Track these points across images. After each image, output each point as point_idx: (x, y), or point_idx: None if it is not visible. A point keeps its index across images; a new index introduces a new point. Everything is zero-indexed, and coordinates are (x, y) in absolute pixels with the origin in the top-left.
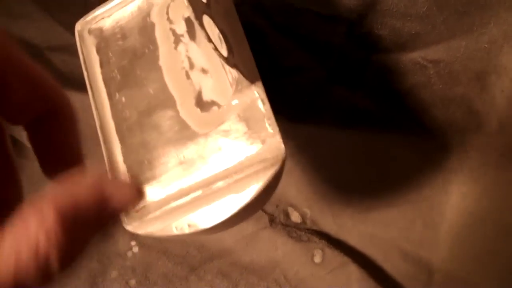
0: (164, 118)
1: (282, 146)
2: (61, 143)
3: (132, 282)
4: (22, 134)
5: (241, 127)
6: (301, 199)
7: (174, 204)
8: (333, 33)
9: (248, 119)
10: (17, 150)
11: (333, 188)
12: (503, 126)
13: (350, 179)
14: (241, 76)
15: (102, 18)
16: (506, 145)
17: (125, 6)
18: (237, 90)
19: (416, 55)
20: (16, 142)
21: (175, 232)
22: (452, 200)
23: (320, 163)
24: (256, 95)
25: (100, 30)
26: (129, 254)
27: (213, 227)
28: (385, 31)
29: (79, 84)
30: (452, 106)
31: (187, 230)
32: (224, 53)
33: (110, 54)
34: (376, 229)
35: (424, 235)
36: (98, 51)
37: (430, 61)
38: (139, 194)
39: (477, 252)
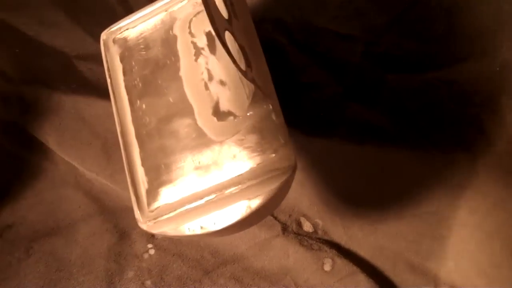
0: (182, 126)
1: (293, 156)
2: None
3: (148, 283)
4: (47, 138)
5: (255, 137)
6: (313, 210)
7: (188, 206)
8: (350, 52)
9: (262, 129)
10: (41, 153)
11: (345, 200)
12: None
13: (361, 192)
14: (257, 89)
15: (127, 29)
16: None
17: (149, 18)
18: (253, 102)
19: (430, 76)
20: (41, 145)
21: (187, 232)
22: (460, 215)
23: (333, 176)
24: (270, 107)
25: (125, 40)
26: (146, 256)
27: (223, 229)
28: (401, 52)
29: (104, 92)
30: (463, 125)
31: (199, 231)
32: (243, 67)
33: (133, 63)
34: (385, 240)
35: (432, 248)
36: (121, 60)
37: (444, 82)
38: None
39: (483, 266)
